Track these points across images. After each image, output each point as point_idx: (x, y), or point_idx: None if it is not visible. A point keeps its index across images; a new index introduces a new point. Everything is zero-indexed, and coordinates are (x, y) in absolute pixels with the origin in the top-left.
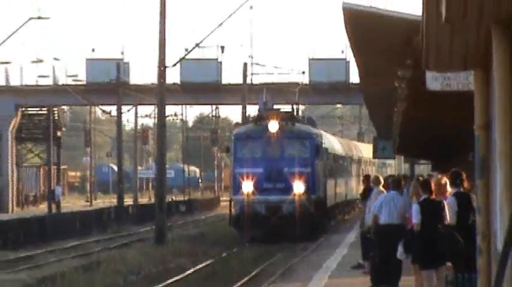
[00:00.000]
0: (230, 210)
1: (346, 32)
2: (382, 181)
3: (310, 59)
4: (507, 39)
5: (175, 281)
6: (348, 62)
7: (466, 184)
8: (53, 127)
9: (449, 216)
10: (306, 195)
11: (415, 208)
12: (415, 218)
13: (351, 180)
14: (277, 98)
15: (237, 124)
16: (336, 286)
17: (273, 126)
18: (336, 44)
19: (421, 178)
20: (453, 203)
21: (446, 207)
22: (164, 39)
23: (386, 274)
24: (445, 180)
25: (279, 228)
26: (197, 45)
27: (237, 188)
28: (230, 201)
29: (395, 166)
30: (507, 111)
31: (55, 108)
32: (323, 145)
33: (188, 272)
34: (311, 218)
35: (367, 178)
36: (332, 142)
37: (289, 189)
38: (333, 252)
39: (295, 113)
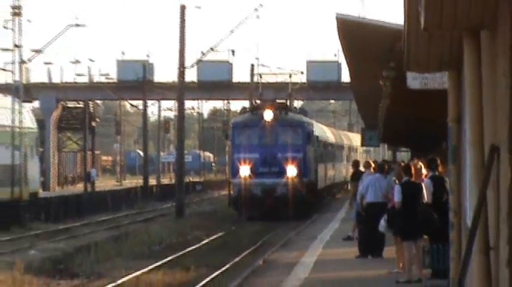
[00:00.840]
0: (229, 192)
1: (339, 38)
2: (372, 165)
3: (307, 61)
4: (476, 44)
5: (192, 250)
6: (340, 64)
7: (440, 168)
8: (89, 118)
9: (426, 196)
10: (298, 178)
11: (397, 188)
12: (397, 198)
13: (339, 165)
14: (279, 94)
15: None
16: (330, 254)
17: (268, 115)
18: (330, 48)
19: (402, 163)
20: (429, 184)
21: (424, 188)
22: (184, 44)
23: (372, 244)
24: (420, 164)
25: (274, 208)
26: (212, 49)
27: (235, 172)
28: (229, 184)
29: (376, 152)
30: (476, 107)
31: (90, 102)
32: (314, 133)
33: (203, 242)
34: (303, 199)
35: (356, 162)
36: (323, 131)
37: (283, 173)
38: (325, 227)
39: (288, 104)
